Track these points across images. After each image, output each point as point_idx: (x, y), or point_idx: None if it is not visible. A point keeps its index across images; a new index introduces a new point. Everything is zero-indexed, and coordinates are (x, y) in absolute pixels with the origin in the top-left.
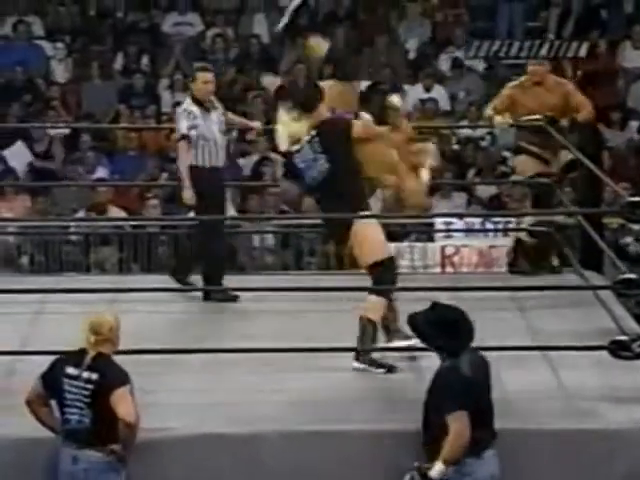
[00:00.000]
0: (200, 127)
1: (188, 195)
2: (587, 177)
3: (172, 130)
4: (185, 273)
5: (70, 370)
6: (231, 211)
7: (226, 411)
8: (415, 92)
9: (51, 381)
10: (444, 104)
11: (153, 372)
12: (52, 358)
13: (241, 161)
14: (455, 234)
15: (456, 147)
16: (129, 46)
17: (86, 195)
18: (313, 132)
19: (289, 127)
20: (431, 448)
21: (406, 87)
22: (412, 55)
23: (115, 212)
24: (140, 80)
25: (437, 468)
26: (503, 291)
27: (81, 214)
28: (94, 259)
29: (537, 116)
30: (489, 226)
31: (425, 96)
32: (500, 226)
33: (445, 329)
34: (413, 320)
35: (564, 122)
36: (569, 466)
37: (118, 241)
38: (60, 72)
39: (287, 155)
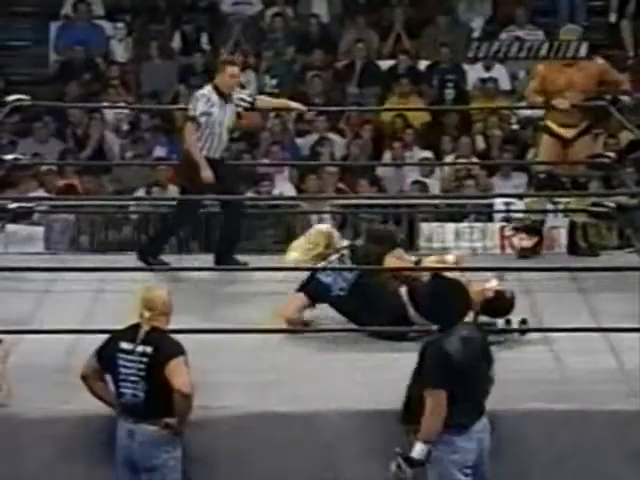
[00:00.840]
0: (213, 116)
1: (207, 173)
2: None
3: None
4: (155, 254)
5: (124, 345)
6: (290, 191)
7: (283, 390)
8: (475, 71)
9: (106, 356)
10: (504, 84)
11: (206, 352)
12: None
13: (299, 141)
14: (515, 215)
15: (516, 127)
16: (188, 25)
17: (146, 174)
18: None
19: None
20: (412, 427)
21: (466, 67)
22: (476, 34)
23: (174, 191)
24: (199, 59)
25: (417, 448)
26: (563, 272)
27: (140, 193)
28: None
29: (567, 95)
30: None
31: (485, 75)
32: (560, 207)
33: (436, 301)
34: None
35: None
36: (629, 447)
37: None
38: (120, 52)
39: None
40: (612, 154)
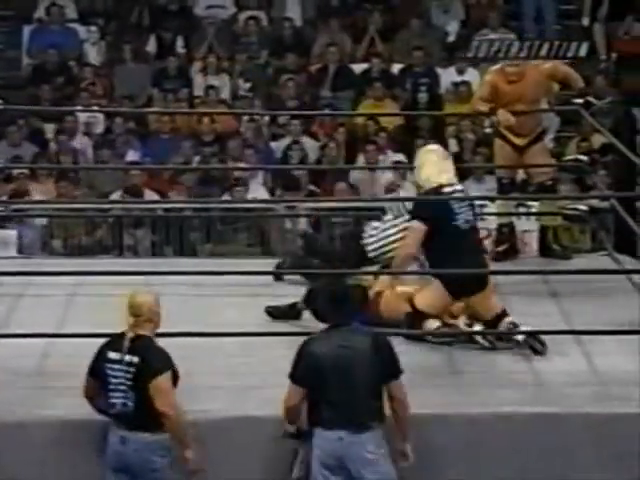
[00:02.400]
0: None
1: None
2: (621, 161)
3: (204, 114)
4: None
5: (112, 354)
6: (264, 195)
7: (261, 394)
8: (448, 75)
9: (96, 368)
10: (477, 87)
11: (188, 355)
12: (85, 341)
13: (273, 144)
14: (487, 217)
15: (489, 130)
16: (162, 29)
17: (119, 178)
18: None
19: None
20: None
21: (439, 70)
22: (451, 38)
23: (149, 195)
24: (173, 63)
25: (288, 428)
26: (535, 275)
27: (115, 196)
28: (127, 242)
29: (517, 108)
30: (521, 210)
31: (458, 79)
32: (533, 210)
33: (325, 298)
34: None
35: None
36: (602, 450)
37: (151, 224)
38: (93, 55)
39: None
40: (585, 157)
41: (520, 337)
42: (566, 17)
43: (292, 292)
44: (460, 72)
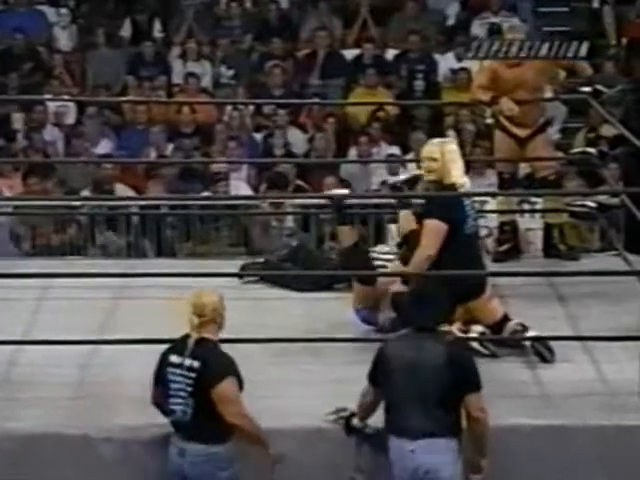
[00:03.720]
0: None
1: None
2: (632, 153)
3: (183, 103)
4: None
5: (174, 358)
6: (247, 190)
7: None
8: (446, 61)
9: (159, 372)
10: (476, 74)
11: None
12: (55, 348)
13: (257, 136)
14: (488, 215)
15: (490, 121)
16: (137, 12)
17: (92, 173)
18: None
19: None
20: None
21: (437, 56)
22: (451, 22)
23: (123, 191)
24: (150, 49)
25: (354, 421)
26: (540, 276)
27: (86, 192)
28: (100, 242)
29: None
30: (525, 207)
31: (457, 65)
32: (537, 207)
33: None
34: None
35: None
36: (609, 462)
37: (125, 222)
38: (64, 40)
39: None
40: (593, 150)
41: (527, 342)
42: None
43: (277, 295)
44: (459, 58)
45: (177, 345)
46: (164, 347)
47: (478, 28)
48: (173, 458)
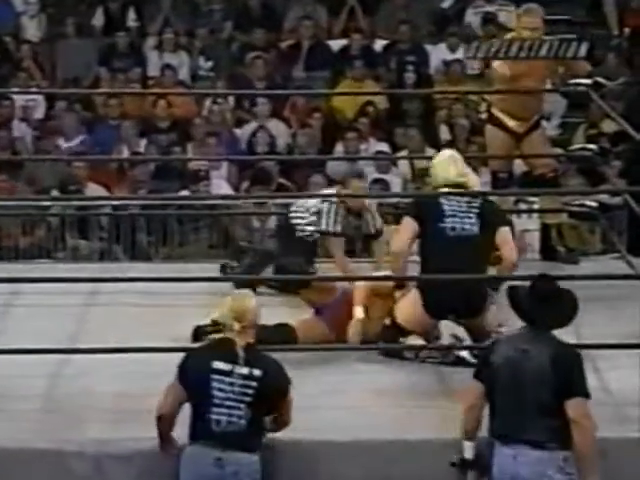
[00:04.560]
0: None
1: None
2: (635, 150)
3: (159, 96)
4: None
5: (220, 365)
6: (228, 189)
7: None
8: (439, 52)
9: (193, 379)
10: (472, 66)
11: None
12: (23, 358)
13: (237, 131)
14: None
15: (484, 116)
16: (110, 0)
17: (63, 170)
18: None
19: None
20: None
21: (428, 47)
22: (446, 7)
23: (94, 190)
24: (123, 39)
25: (464, 448)
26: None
27: (56, 193)
28: (71, 244)
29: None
30: (522, 206)
31: (450, 57)
32: (535, 207)
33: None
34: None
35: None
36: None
37: (97, 223)
38: (32, 30)
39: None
40: (594, 146)
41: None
42: None
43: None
44: (452, 49)
45: (218, 350)
46: (139, 356)
47: (472, 17)
48: (207, 468)
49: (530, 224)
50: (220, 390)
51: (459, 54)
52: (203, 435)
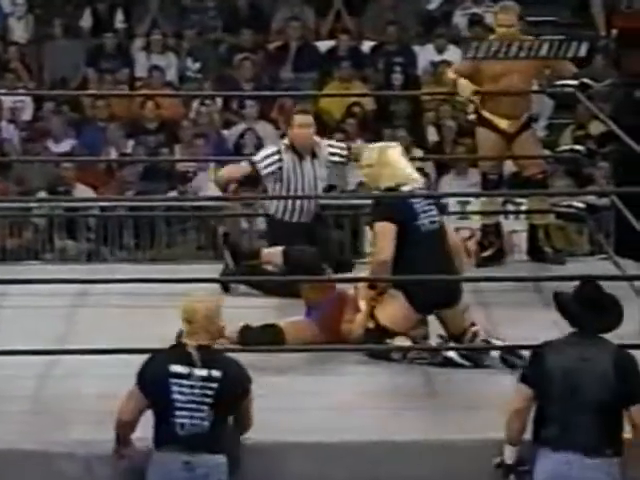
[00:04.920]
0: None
1: None
2: (622, 151)
3: (147, 97)
4: None
5: (177, 368)
6: (216, 191)
7: None
8: (426, 54)
9: (153, 385)
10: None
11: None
12: (11, 359)
13: (225, 133)
14: (471, 216)
15: (473, 117)
16: (98, 1)
17: (50, 172)
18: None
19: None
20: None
21: (416, 48)
22: (433, 7)
23: (82, 191)
24: (111, 40)
25: (506, 452)
26: (526, 281)
27: (43, 194)
28: (59, 246)
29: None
30: (510, 207)
31: (438, 58)
32: (522, 208)
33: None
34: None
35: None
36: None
37: (85, 225)
38: (19, 31)
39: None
40: (581, 147)
41: (495, 353)
42: None
43: (243, 303)
44: (440, 50)
45: (174, 354)
46: (127, 357)
47: (459, 18)
48: (177, 474)
49: (517, 225)
50: (180, 393)
51: (447, 55)
52: (168, 440)
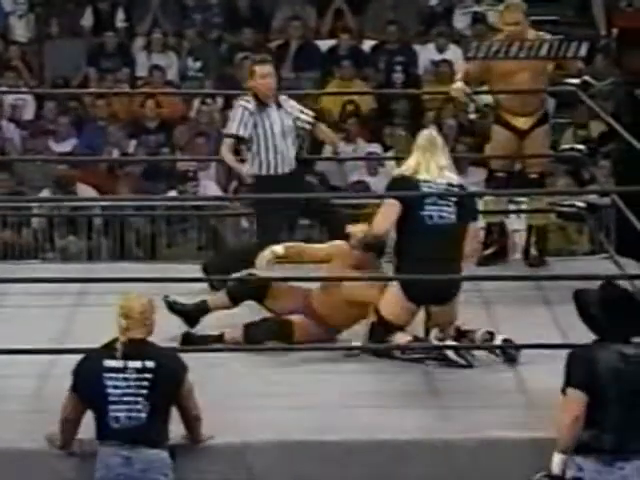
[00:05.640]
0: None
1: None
2: (623, 150)
3: (148, 96)
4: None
5: (110, 363)
6: (216, 190)
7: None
8: (427, 53)
9: (85, 382)
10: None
11: None
12: (11, 358)
13: None
14: None
15: (473, 116)
16: (99, 0)
17: (51, 171)
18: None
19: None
20: None
21: (417, 47)
22: (431, 10)
23: (83, 190)
24: (112, 39)
25: (555, 460)
26: (526, 280)
27: (45, 193)
28: (60, 245)
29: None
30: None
31: (439, 57)
32: (523, 207)
33: (605, 310)
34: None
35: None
36: None
37: (86, 224)
38: (20, 30)
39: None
40: (583, 146)
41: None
42: None
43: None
44: (440, 49)
45: (106, 350)
46: None
47: (460, 17)
48: (117, 469)
49: (518, 224)
50: (115, 387)
51: (447, 54)
52: (107, 434)
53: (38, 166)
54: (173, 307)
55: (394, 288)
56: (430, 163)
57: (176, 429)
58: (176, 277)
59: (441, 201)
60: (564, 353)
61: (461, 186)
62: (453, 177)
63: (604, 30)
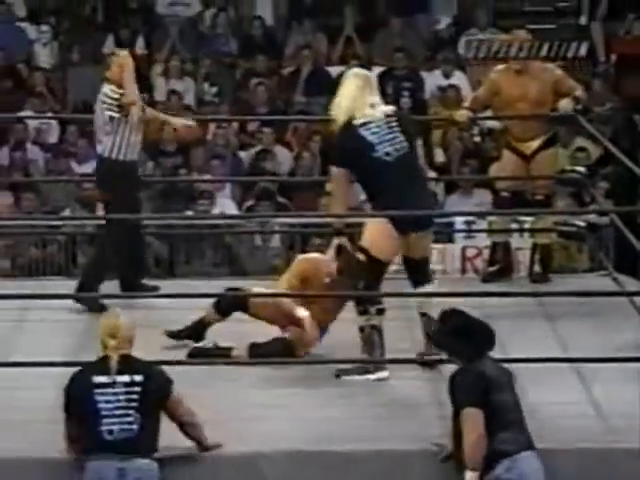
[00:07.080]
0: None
1: None
2: (621, 173)
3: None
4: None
5: (99, 379)
6: (232, 209)
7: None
8: (434, 79)
9: (77, 400)
10: (466, 91)
11: None
12: (33, 370)
13: (242, 154)
14: (477, 234)
15: (478, 139)
16: (120, 28)
17: (73, 192)
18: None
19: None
20: (459, 458)
21: (423, 74)
22: (442, 27)
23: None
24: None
25: (467, 477)
26: (529, 297)
27: (68, 212)
28: (81, 262)
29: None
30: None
31: (445, 83)
32: (525, 226)
33: (458, 336)
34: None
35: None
36: None
37: None
38: (44, 57)
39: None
40: (582, 169)
41: None
42: (562, 15)
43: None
44: (446, 75)
45: (95, 366)
46: None
47: (465, 45)
48: None
49: (522, 242)
50: (106, 402)
51: (453, 80)
52: (99, 448)
53: (61, 186)
54: (177, 335)
55: (378, 225)
56: (364, 103)
57: (179, 442)
58: (191, 293)
59: (389, 135)
60: (565, 366)
61: (396, 111)
62: (386, 108)
63: (603, 56)
